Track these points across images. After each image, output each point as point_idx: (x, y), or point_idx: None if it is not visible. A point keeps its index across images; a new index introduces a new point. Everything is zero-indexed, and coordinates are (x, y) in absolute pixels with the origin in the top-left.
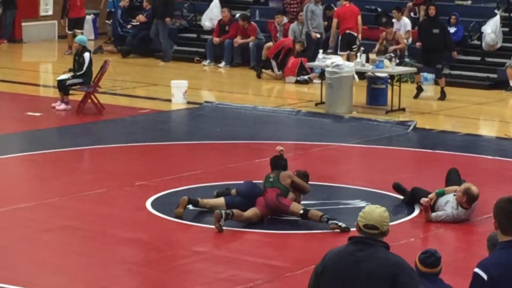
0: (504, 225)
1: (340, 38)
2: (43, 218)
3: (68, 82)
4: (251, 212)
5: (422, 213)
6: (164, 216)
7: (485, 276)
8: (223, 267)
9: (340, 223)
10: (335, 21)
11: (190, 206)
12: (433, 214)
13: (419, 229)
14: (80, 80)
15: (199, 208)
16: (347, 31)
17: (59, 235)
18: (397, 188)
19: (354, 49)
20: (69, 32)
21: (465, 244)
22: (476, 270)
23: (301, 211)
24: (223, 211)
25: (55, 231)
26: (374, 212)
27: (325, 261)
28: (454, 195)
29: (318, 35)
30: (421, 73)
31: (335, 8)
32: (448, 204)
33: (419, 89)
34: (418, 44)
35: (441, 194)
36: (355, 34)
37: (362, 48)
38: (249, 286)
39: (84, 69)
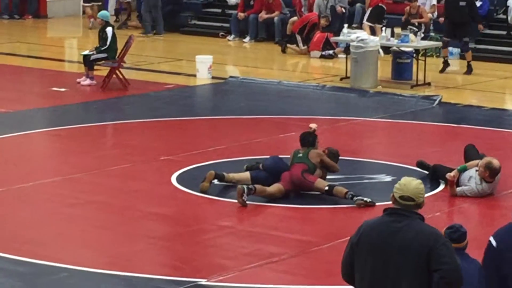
0: None
1: (370, 10)
2: (69, 193)
3: (93, 57)
4: (274, 187)
5: (447, 188)
6: (189, 190)
7: (494, 243)
8: (247, 241)
9: (365, 199)
10: None
11: (216, 181)
12: (458, 189)
13: (444, 204)
14: (105, 55)
15: (225, 183)
16: (379, 4)
17: (85, 209)
18: (421, 165)
19: (383, 22)
20: (85, 4)
21: (489, 218)
22: (490, 237)
23: (326, 187)
24: (245, 186)
25: (81, 206)
26: (410, 184)
27: (361, 232)
28: (476, 170)
29: (343, 10)
30: (447, 48)
31: None
32: (472, 179)
33: (446, 64)
34: (441, 19)
35: (463, 170)
36: (384, 7)
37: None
38: (274, 260)
39: (108, 43)
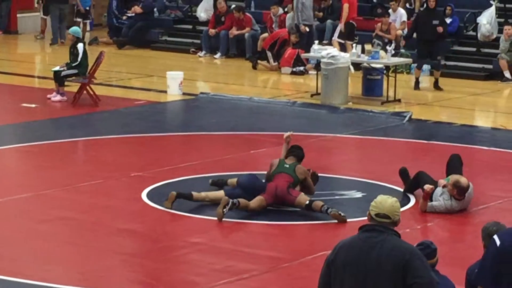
0: None
1: (340, 26)
2: (39, 209)
3: (64, 73)
4: (256, 203)
5: (418, 203)
6: (160, 207)
7: (498, 242)
8: (219, 258)
9: (340, 212)
10: (346, 5)
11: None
12: (429, 204)
13: (415, 220)
14: (75, 71)
15: (194, 202)
16: (350, 21)
17: (55, 226)
18: (403, 173)
19: (352, 39)
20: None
21: (460, 234)
22: (494, 236)
23: (307, 202)
24: (231, 200)
25: (51, 222)
26: (386, 202)
27: (336, 250)
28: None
29: (307, 29)
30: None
31: None
32: (443, 195)
33: (417, 83)
34: (402, 42)
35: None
36: (355, 24)
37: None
38: (245, 276)
39: (79, 60)
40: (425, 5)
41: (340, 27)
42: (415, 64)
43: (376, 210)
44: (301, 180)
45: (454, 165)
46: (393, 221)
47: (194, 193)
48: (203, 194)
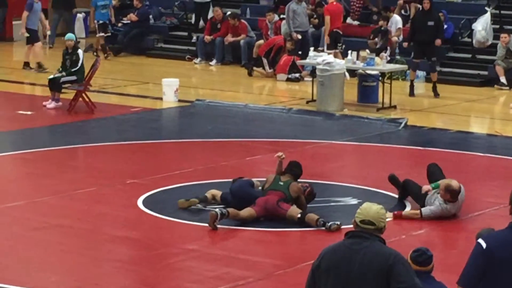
0: None
1: (327, 38)
2: (34, 216)
3: (63, 79)
4: (246, 213)
5: (411, 212)
6: (156, 214)
7: (484, 245)
8: (214, 265)
9: (337, 222)
10: (327, 18)
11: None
12: (423, 209)
13: (410, 227)
14: (74, 78)
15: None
16: (334, 29)
17: (51, 233)
18: (393, 180)
19: (339, 47)
20: (100, 35)
21: (456, 241)
22: (479, 239)
23: (299, 215)
24: (218, 211)
25: (46, 230)
26: (371, 208)
27: (322, 256)
28: (438, 193)
29: (299, 36)
30: (416, 71)
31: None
32: (436, 200)
33: (412, 86)
34: (405, 44)
35: (437, 187)
36: (341, 32)
37: (343, 46)
38: (240, 284)
39: (79, 65)
40: (420, 8)
41: (326, 39)
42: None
43: (361, 217)
44: (294, 198)
45: (435, 172)
46: (377, 227)
47: (207, 196)
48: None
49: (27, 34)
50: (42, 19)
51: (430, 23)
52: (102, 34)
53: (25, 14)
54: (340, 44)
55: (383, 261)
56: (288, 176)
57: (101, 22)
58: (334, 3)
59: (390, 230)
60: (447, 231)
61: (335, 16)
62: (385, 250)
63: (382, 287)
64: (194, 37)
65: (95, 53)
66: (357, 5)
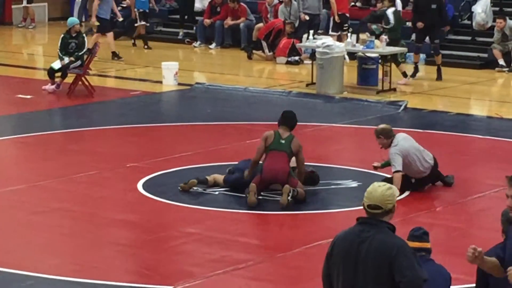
0: None
1: (332, 18)
2: (35, 200)
3: (72, 65)
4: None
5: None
6: (156, 197)
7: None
8: (214, 248)
9: (289, 198)
10: None
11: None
12: (393, 170)
13: (410, 209)
14: (80, 63)
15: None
16: (339, 12)
17: (51, 217)
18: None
19: (345, 30)
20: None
21: (456, 223)
22: None
23: (289, 198)
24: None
25: (46, 213)
26: (376, 191)
27: (333, 243)
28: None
29: (307, 17)
30: (419, 53)
31: None
32: (389, 155)
33: (416, 69)
34: (419, 24)
35: (385, 165)
36: (347, 15)
37: (350, 29)
38: (240, 267)
39: (86, 48)
40: None
41: (332, 19)
42: (411, 53)
43: (367, 201)
44: (294, 154)
45: None
46: (385, 210)
47: (208, 178)
48: (209, 178)
49: (97, 23)
50: (114, 8)
51: (433, 5)
52: (143, 23)
53: (96, 2)
54: (347, 27)
55: (387, 251)
56: (285, 129)
57: (141, 10)
58: None
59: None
60: (447, 213)
61: None
62: (391, 240)
63: (385, 276)
64: (181, 34)
65: (133, 43)
66: None
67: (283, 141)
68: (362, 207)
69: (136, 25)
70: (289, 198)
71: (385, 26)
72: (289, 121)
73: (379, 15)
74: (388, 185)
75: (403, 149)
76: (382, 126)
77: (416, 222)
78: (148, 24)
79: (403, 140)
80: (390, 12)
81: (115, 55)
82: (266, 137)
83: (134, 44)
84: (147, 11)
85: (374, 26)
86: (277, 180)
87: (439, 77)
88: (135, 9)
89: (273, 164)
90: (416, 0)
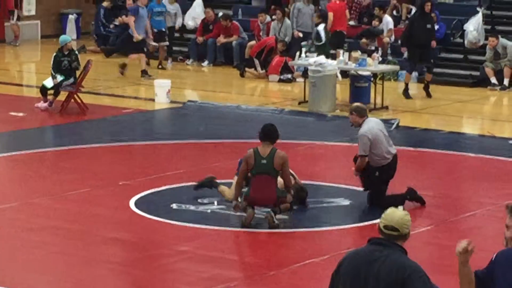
0: None
1: (330, 35)
2: (27, 218)
3: (64, 83)
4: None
5: None
6: (148, 215)
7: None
8: (206, 266)
9: (274, 219)
10: (331, 14)
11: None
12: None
13: None
14: (73, 80)
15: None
16: (337, 30)
17: (43, 234)
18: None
19: (344, 48)
20: (154, 44)
21: (448, 241)
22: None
23: (273, 217)
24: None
25: (39, 231)
26: (395, 214)
27: (342, 260)
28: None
29: (301, 34)
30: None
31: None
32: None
33: (407, 90)
34: (403, 49)
35: None
36: (344, 32)
37: (345, 46)
38: (232, 285)
39: (79, 67)
40: (412, 11)
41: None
42: (403, 71)
43: (385, 222)
44: (278, 171)
45: None
46: (401, 234)
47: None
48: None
49: (140, 37)
50: (148, 27)
51: (429, 25)
52: (163, 43)
53: (132, 19)
54: (346, 46)
55: (400, 273)
56: (267, 145)
57: (156, 30)
58: (337, 2)
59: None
60: (440, 232)
61: (337, 15)
62: (404, 261)
63: None
64: (169, 62)
65: (160, 66)
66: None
67: (264, 161)
68: (354, 225)
69: (153, 44)
70: (274, 221)
71: (316, 43)
72: (269, 135)
73: (375, 31)
74: (406, 211)
75: (374, 132)
76: (357, 103)
77: (409, 240)
78: (168, 44)
79: (375, 123)
80: (321, 28)
81: (145, 73)
82: (246, 159)
83: (160, 67)
84: (164, 30)
85: (303, 43)
86: (266, 204)
87: (428, 95)
88: (152, 29)
89: (259, 191)
90: (412, 20)
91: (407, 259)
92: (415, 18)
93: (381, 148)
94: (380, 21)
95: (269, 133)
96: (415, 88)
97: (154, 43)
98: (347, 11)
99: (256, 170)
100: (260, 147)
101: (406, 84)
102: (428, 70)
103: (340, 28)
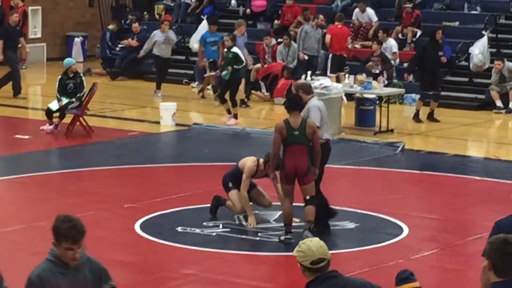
0: (499, 267)
1: (331, 59)
2: (32, 241)
3: (70, 106)
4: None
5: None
6: (153, 238)
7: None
8: None
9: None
10: (328, 37)
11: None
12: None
13: (408, 251)
14: (78, 103)
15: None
16: (338, 53)
17: None
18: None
19: (345, 71)
20: (211, 74)
21: (453, 265)
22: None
23: (307, 197)
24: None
25: (44, 254)
26: (314, 246)
27: None
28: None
29: (306, 57)
30: (409, 94)
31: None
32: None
33: (418, 114)
34: (406, 76)
35: None
36: (345, 55)
37: (347, 69)
38: None
39: (84, 89)
40: (417, 34)
41: (330, 60)
42: (408, 95)
43: (309, 259)
44: (312, 139)
45: None
46: (328, 259)
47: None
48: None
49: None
50: (221, 52)
51: (440, 53)
52: (212, 73)
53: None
54: (347, 69)
55: None
56: (295, 115)
57: (211, 60)
58: (339, 26)
59: (387, 254)
60: (445, 255)
61: (338, 38)
62: (357, 281)
63: None
64: (159, 94)
65: (202, 95)
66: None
67: (297, 133)
68: (359, 248)
69: (205, 75)
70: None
71: (236, 66)
72: (297, 104)
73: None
74: (317, 238)
75: (322, 107)
76: (303, 81)
77: (414, 263)
78: (218, 74)
79: (320, 102)
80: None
81: (243, 102)
82: (279, 129)
83: (202, 96)
84: (217, 60)
85: (224, 72)
86: (298, 174)
87: (435, 121)
88: (204, 59)
89: (294, 160)
90: (424, 46)
91: (357, 279)
92: (426, 45)
93: (324, 127)
94: (380, 43)
95: (296, 103)
96: (420, 111)
97: (212, 73)
98: (349, 37)
99: (290, 140)
100: (290, 118)
101: (418, 110)
102: (434, 98)
103: (340, 52)
